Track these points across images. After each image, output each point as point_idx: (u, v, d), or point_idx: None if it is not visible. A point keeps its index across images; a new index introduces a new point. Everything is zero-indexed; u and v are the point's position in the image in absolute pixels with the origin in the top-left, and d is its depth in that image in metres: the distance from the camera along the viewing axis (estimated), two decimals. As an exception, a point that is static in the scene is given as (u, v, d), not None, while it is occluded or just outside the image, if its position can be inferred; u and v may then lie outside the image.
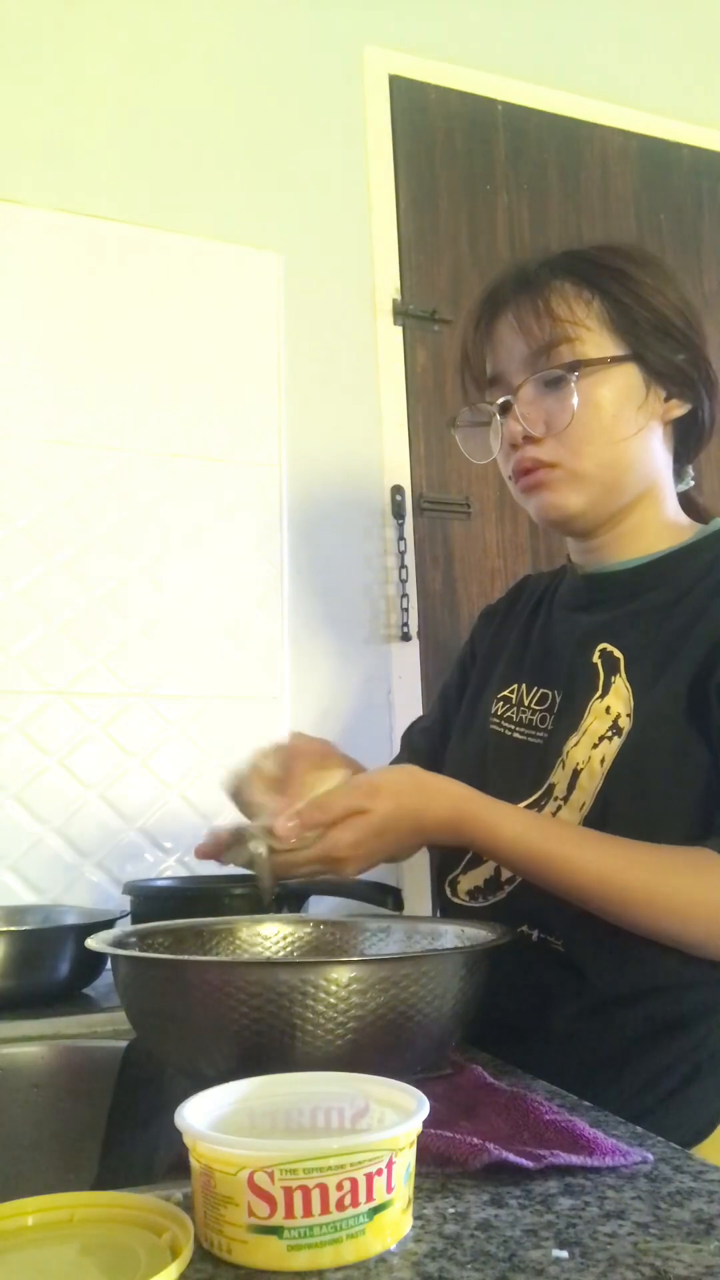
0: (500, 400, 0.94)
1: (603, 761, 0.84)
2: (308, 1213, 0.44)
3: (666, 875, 0.76)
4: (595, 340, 0.90)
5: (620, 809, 0.82)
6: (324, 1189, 0.44)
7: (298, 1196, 0.43)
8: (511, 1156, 0.54)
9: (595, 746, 0.85)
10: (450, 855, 0.97)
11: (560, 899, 0.80)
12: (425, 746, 1.13)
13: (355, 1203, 0.44)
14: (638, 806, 0.82)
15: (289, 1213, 0.43)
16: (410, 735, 1.20)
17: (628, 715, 0.85)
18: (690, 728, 0.81)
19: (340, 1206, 0.44)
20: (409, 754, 1.16)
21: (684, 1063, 0.80)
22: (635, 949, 0.79)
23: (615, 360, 0.90)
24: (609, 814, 0.82)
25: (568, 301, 0.90)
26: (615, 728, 0.85)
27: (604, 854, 0.78)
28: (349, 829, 0.77)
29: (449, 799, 0.81)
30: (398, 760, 1.16)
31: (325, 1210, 0.44)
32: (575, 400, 0.88)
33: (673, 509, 0.97)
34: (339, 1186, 0.44)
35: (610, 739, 0.85)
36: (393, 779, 0.82)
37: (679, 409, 0.94)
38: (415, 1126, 0.47)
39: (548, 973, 0.84)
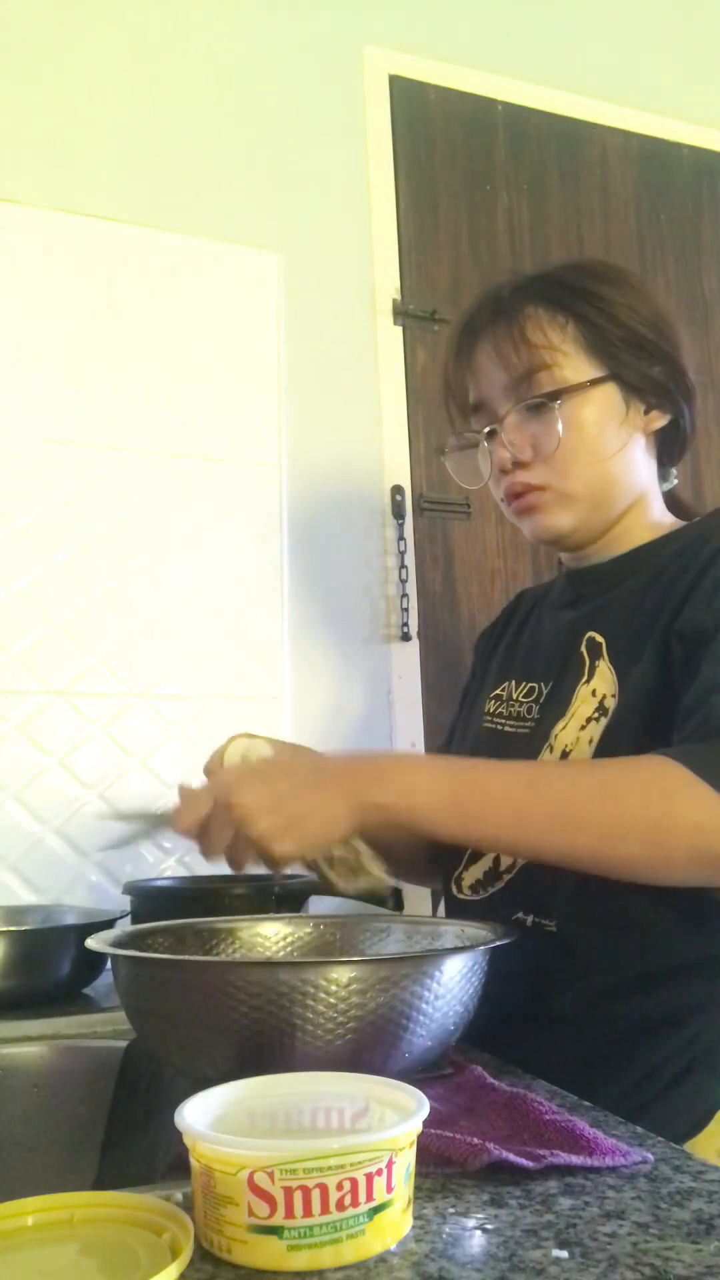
0: (486, 428, 0.96)
1: (591, 742, 0.85)
2: (308, 1213, 0.44)
3: (615, 793, 0.72)
4: (573, 363, 0.92)
5: None
6: (324, 1189, 0.44)
7: (298, 1196, 0.43)
8: (511, 1156, 0.54)
9: (583, 728, 0.87)
10: (452, 851, 0.97)
11: (548, 879, 0.79)
12: None
13: (355, 1203, 0.44)
14: None
15: (289, 1213, 0.43)
16: None
17: (613, 696, 0.86)
18: (668, 682, 0.82)
19: (340, 1206, 0.44)
20: None
21: (680, 1056, 0.80)
22: (630, 929, 0.80)
23: (594, 382, 0.92)
24: None
25: (542, 328, 0.92)
26: (601, 709, 0.86)
27: (540, 779, 0.75)
28: (238, 791, 0.72)
29: (349, 753, 0.81)
30: None
31: (325, 1210, 0.44)
32: (560, 426, 0.91)
33: (658, 512, 0.99)
34: (339, 1186, 0.44)
35: (597, 719, 0.86)
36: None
37: (659, 420, 0.96)
38: (415, 1126, 0.47)
39: (543, 958, 0.84)
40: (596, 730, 0.85)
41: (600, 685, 0.88)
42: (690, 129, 2.12)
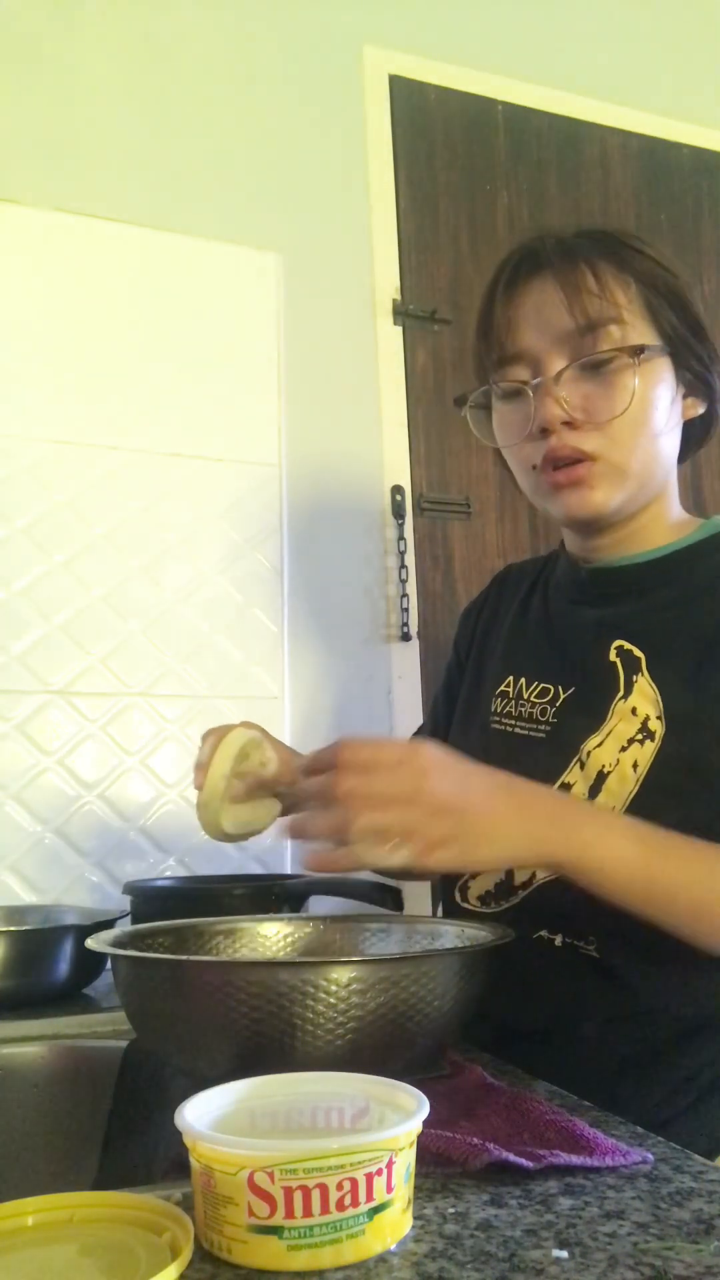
0: (534, 380, 0.85)
1: (635, 766, 0.80)
2: (308, 1213, 0.44)
3: None
4: (638, 327, 0.84)
5: (661, 816, 0.77)
6: (324, 1189, 0.44)
7: (298, 1196, 0.43)
8: (511, 1156, 0.54)
9: (624, 750, 0.81)
10: None
11: (589, 901, 0.74)
12: None
13: (355, 1203, 0.44)
14: (680, 813, 0.77)
15: (289, 1213, 0.43)
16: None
17: (658, 717, 0.81)
18: None
19: (340, 1206, 0.44)
20: None
21: (711, 1067, 0.78)
22: (679, 951, 0.75)
23: (663, 352, 0.85)
24: (651, 820, 0.77)
25: (610, 283, 0.83)
26: (646, 730, 0.81)
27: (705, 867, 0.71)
28: (434, 783, 0.64)
29: (538, 787, 0.73)
30: None
31: (325, 1210, 0.44)
32: (635, 387, 0.82)
33: (678, 507, 0.94)
34: (339, 1186, 0.44)
35: (641, 742, 0.81)
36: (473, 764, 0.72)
37: (696, 409, 0.91)
38: (415, 1126, 0.47)
39: (576, 978, 0.81)
40: (642, 755, 0.80)
41: (642, 704, 0.82)
42: (690, 129, 2.12)
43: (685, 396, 0.90)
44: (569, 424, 0.83)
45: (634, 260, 0.85)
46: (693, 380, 0.89)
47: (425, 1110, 0.49)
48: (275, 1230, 0.43)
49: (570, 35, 2.06)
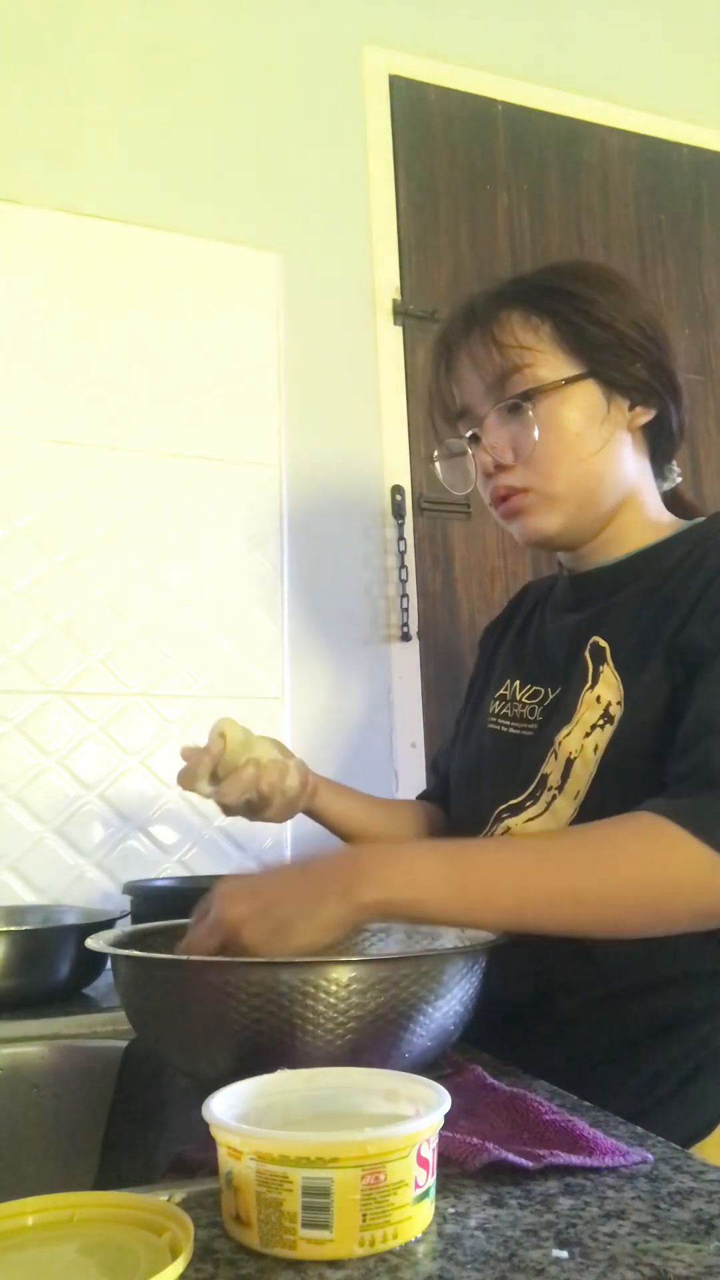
0: (469, 433, 0.97)
1: (596, 749, 0.85)
2: (432, 1174, 0.48)
3: (611, 863, 0.70)
4: (550, 363, 0.92)
5: (616, 792, 0.82)
6: (424, 1161, 0.48)
7: (433, 1160, 0.48)
8: (511, 1156, 0.54)
9: (588, 735, 0.86)
10: None
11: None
12: (445, 768, 1.15)
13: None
14: (631, 788, 0.81)
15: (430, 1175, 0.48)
16: (434, 761, 1.23)
17: (618, 703, 0.85)
18: (673, 700, 0.82)
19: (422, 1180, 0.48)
20: (434, 778, 1.20)
21: (687, 1060, 0.80)
22: (644, 938, 0.77)
23: (570, 380, 0.91)
24: (605, 799, 0.83)
25: (514, 330, 0.92)
26: (607, 715, 0.85)
27: (537, 858, 0.72)
28: (225, 903, 0.68)
29: (342, 851, 0.76)
30: (426, 789, 1.21)
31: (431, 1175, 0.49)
32: (536, 425, 0.91)
33: (655, 510, 0.98)
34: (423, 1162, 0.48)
35: (603, 726, 0.85)
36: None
37: (644, 416, 0.95)
38: (442, 1109, 0.49)
39: (554, 963, 0.83)
40: (602, 738, 0.85)
41: (605, 691, 0.87)
42: (690, 129, 2.12)
43: (633, 406, 0.94)
44: (501, 466, 0.94)
45: (545, 299, 0.93)
46: (633, 389, 0.94)
47: (446, 1100, 0.50)
48: (427, 1194, 0.48)
49: (570, 35, 2.06)
